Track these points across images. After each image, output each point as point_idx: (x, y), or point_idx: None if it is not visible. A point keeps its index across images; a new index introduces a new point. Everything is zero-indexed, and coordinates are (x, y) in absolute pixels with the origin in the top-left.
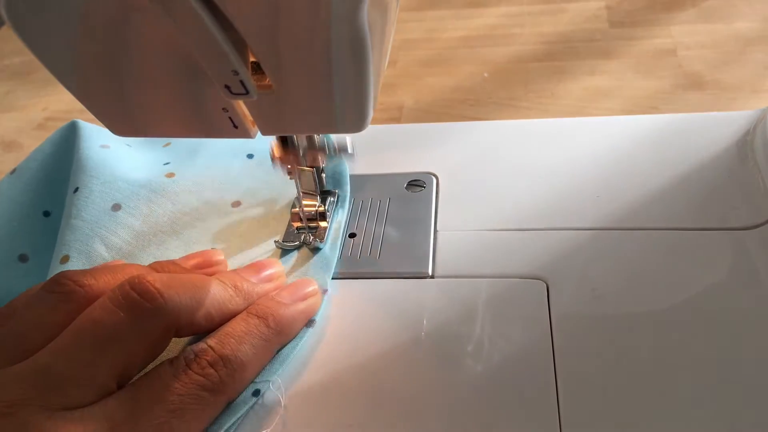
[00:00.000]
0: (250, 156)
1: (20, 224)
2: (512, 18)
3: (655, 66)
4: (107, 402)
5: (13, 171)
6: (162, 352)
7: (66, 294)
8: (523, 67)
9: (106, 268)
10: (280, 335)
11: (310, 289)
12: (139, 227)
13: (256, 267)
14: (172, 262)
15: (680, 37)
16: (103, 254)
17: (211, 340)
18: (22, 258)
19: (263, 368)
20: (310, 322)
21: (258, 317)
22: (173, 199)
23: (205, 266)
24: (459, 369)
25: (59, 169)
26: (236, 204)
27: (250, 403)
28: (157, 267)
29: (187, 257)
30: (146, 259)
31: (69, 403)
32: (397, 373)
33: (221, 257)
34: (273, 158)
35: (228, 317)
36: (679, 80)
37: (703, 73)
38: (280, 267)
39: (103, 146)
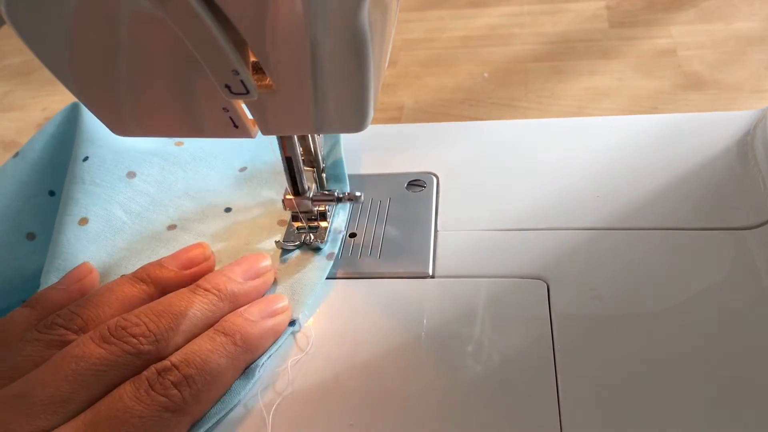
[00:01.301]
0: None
1: (27, 203)
2: (512, 18)
3: (655, 66)
4: (68, 425)
5: (17, 154)
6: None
7: (56, 339)
8: (522, 67)
9: (91, 303)
10: (247, 353)
11: (280, 305)
12: (154, 193)
13: (243, 263)
14: (159, 265)
15: (680, 37)
16: (122, 218)
17: (176, 358)
18: (30, 236)
19: (229, 386)
20: (292, 323)
21: (225, 335)
22: (184, 166)
23: (193, 265)
24: (459, 369)
25: (63, 151)
26: (243, 169)
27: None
28: (142, 275)
29: (174, 256)
30: (165, 223)
31: (41, 428)
32: (397, 373)
33: (209, 252)
34: (284, 201)
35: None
36: (679, 80)
37: (703, 73)
38: (267, 261)
39: None
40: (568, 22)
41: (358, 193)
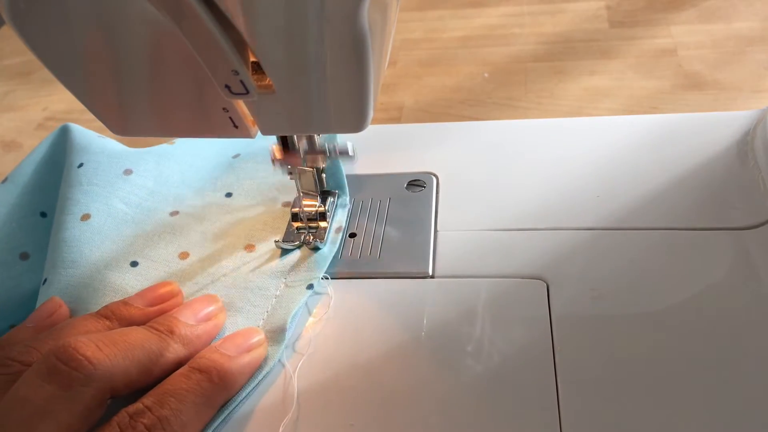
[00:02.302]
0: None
1: (18, 224)
2: (512, 18)
3: (655, 66)
4: None
5: (5, 179)
6: (99, 417)
7: (12, 376)
8: (522, 67)
9: (50, 336)
10: (224, 390)
11: (255, 339)
12: (152, 186)
13: (191, 306)
14: (124, 303)
15: (680, 37)
16: (124, 209)
17: (148, 400)
18: (24, 256)
19: (206, 425)
20: (310, 286)
21: (201, 371)
22: (179, 160)
23: (160, 302)
24: (459, 369)
25: (53, 174)
26: (236, 156)
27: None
28: (106, 313)
29: (141, 294)
30: (167, 210)
31: None
32: (397, 373)
33: (177, 289)
34: (273, 160)
35: (168, 368)
36: (679, 80)
37: (703, 73)
38: (218, 303)
39: (99, 136)
40: (568, 22)
41: (350, 151)
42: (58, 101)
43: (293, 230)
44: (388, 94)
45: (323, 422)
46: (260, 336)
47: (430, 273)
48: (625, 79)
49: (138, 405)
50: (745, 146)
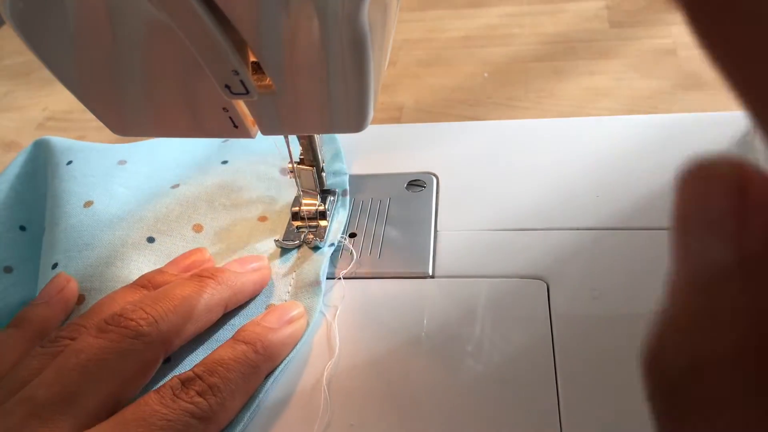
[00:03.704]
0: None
1: (0, 239)
2: (512, 18)
3: (655, 66)
4: (95, 429)
5: None
6: (152, 374)
7: (62, 349)
8: (522, 67)
9: (93, 312)
10: (269, 361)
11: (296, 312)
12: (148, 172)
13: (240, 261)
14: (159, 272)
15: (680, 37)
16: (125, 192)
17: (198, 369)
18: (7, 269)
19: (252, 394)
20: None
21: (246, 343)
22: (171, 147)
23: (193, 268)
24: (459, 369)
25: (31, 188)
26: (225, 140)
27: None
28: (143, 282)
29: (174, 262)
30: (167, 186)
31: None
32: (397, 373)
33: (207, 256)
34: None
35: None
36: (679, 80)
37: (703, 73)
38: (264, 260)
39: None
40: (568, 22)
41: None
42: (59, 101)
43: (293, 229)
44: (388, 94)
45: (322, 422)
46: (300, 309)
47: (430, 273)
48: (625, 79)
49: (188, 373)
50: (745, 146)
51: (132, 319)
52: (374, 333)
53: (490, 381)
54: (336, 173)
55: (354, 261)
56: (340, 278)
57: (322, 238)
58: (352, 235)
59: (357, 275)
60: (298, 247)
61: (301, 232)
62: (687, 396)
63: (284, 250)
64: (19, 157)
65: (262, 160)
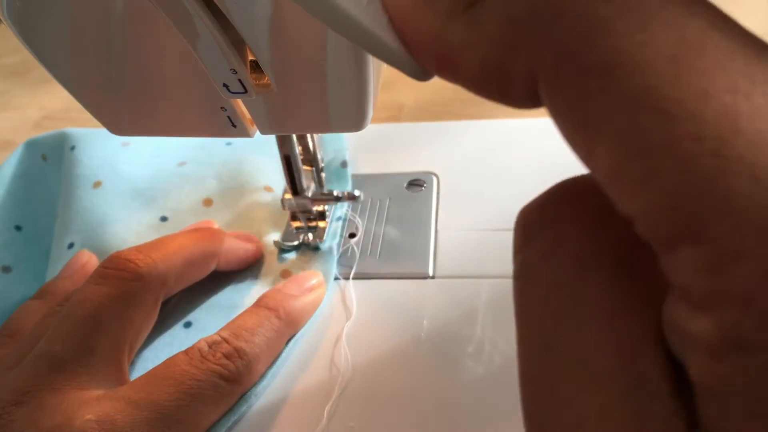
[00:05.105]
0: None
1: None
2: None
3: None
4: (123, 386)
5: None
6: (156, 314)
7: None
8: None
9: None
10: (291, 326)
11: (315, 281)
12: (152, 150)
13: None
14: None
15: None
16: (132, 170)
17: (224, 332)
18: (5, 269)
19: (275, 358)
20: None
21: (268, 309)
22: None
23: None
24: (459, 370)
25: (24, 188)
26: None
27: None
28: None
29: (181, 231)
30: (173, 164)
31: (82, 383)
32: (397, 374)
33: (214, 224)
34: (282, 200)
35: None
36: None
37: None
38: (320, 275)
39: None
40: None
41: (357, 193)
42: (56, 100)
43: (292, 230)
44: (388, 93)
45: (323, 422)
46: (319, 277)
47: (431, 273)
48: None
49: (215, 336)
50: None
51: (131, 260)
52: (374, 333)
53: (491, 382)
54: (336, 150)
55: (356, 261)
56: (338, 278)
57: (321, 238)
58: (352, 235)
59: (357, 275)
60: (297, 248)
61: (300, 232)
62: None
63: (283, 251)
64: (11, 158)
65: (265, 139)
